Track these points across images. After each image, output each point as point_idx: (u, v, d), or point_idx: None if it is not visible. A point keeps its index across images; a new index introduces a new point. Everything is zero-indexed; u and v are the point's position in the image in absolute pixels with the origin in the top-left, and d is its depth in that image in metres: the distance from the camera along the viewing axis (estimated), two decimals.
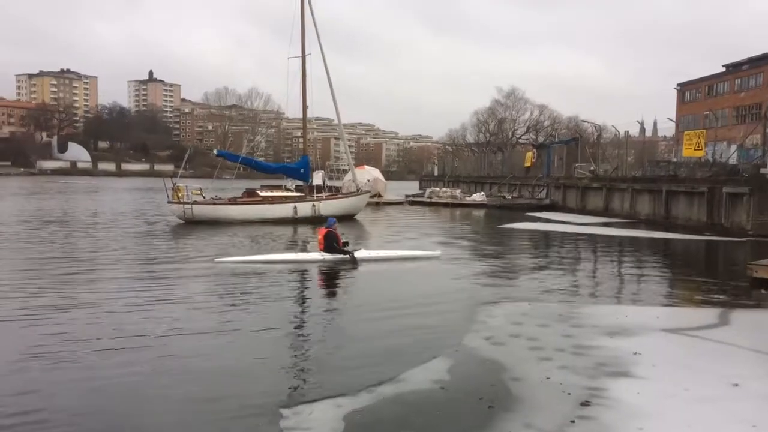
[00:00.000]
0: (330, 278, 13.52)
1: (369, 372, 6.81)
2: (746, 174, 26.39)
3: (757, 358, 7.54)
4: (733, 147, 35.22)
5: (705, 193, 26.07)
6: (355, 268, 14.37)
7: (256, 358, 7.40)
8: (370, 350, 7.76)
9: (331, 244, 15.15)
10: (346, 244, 15.53)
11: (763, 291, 11.90)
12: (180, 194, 26.64)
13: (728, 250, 20.46)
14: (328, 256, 15.00)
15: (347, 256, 15.03)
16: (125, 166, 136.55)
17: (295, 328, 9.12)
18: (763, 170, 25.01)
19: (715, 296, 11.74)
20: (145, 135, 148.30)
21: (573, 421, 5.38)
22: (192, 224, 25.29)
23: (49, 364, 6.94)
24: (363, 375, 6.71)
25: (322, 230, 15.47)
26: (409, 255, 16.26)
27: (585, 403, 5.80)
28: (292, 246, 19.58)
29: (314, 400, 5.94)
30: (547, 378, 6.52)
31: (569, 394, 6.05)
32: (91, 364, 7.00)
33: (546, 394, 6.08)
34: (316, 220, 27.86)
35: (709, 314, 9.98)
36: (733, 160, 31.71)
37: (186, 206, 26.18)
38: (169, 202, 26.97)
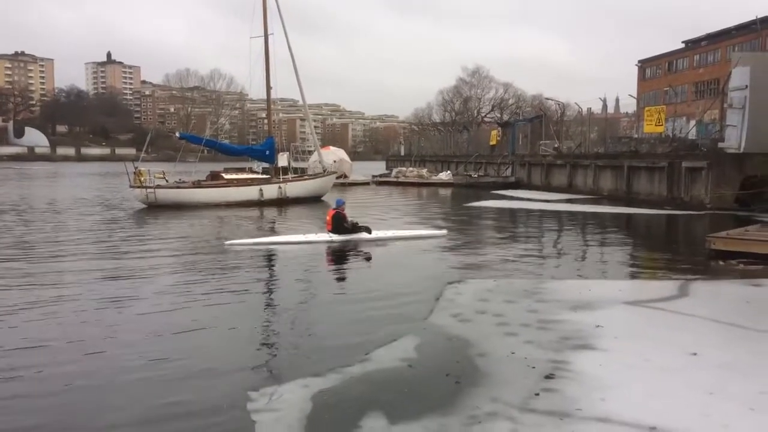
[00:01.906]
0: (319, 260, 13.52)
1: (337, 352, 6.83)
2: (705, 149, 27.03)
3: (715, 328, 7.76)
4: (692, 122, 35.97)
5: (665, 168, 26.61)
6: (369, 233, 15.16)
7: (223, 341, 7.36)
8: (338, 330, 7.77)
9: (339, 224, 15.18)
10: (355, 225, 15.53)
11: (720, 262, 12.23)
12: (142, 178, 26.21)
13: (688, 223, 20.95)
14: (336, 237, 15.04)
15: (358, 233, 15.15)
16: (85, 151, 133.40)
17: (265, 310, 9.07)
18: (720, 145, 25.63)
19: (675, 268, 12.02)
20: (104, 118, 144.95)
21: (537, 394, 5.47)
22: (155, 208, 24.90)
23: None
24: (331, 355, 6.71)
25: (331, 211, 15.52)
26: (414, 235, 16.40)
27: (549, 376, 5.90)
28: (260, 228, 19.42)
29: (282, 382, 5.93)
30: (513, 353, 6.62)
31: (534, 367, 6.14)
32: (51, 364, 6.85)
33: (511, 368, 6.17)
34: (282, 202, 27.74)
35: (669, 286, 10.22)
36: (692, 136, 32.40)
37: (149, 190, 25.76)
38: (131, 187, 26.51)
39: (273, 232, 18.53)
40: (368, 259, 13.51)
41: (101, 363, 6.56)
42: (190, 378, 6.12)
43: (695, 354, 6.53)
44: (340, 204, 15.67)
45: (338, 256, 13.93)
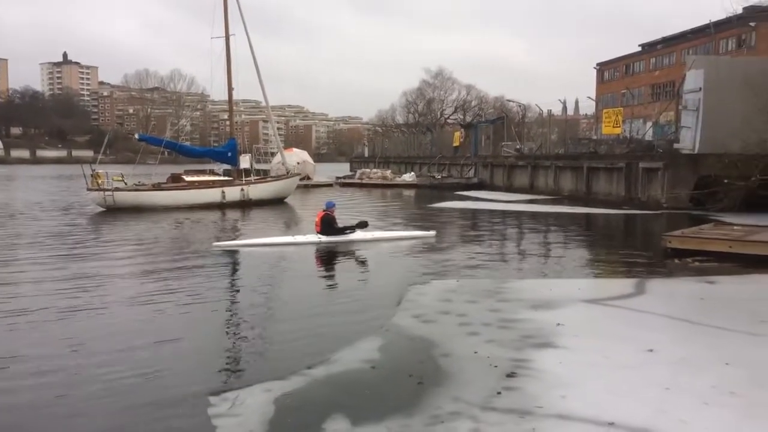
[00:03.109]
0: (298, 261, 13.44)
1: (299, 354, 6.78)
2: (661, 149, 27.64)
3: (671, 324, 7.94)
4: (649, 124, 36.77)
5: (623, 168, 27.16)
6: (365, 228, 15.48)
7: (184, 346, 7.23)
8: (302, 332, 7.71)
9: (329, 226, 15.20)
10: (348, 226, 15.66)
11: (676, 260, 12.53)
12: (100, 181, 25.68)
13: (645, 222, 21.43)
14: (324, 238, 15.04)
15: (347, 234, 15.27)
16: (41, 153, 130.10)
17: (229, 312, 8.95)
18: (676, 146, 26.25)
19: (633, 267, 12.28)
20: (61, 120, 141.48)
21: (499, 393, 5.52)
22: (114, 212, 24.41)
23: None
24: (293, 358, 6.67)
25: (320, 213, 15.55)
26: (404, 235, 16.46)
27: (511, 375, 5.96)
28: (223, 231, 19.19)
29: (243, 386, 5.86)
30: (475, 352, 6.66)
31: (496, 366, 6.20)
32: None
33: (474, 368, 6.21)
34: (244, 205, 27.47)
35: (628, 284, 10.43)
36: (648, 137, 33.11)
37: (107, 193, 25.23)
38: (88, 190, 25.93)
39: (237, 234, 18.32)
40: (346, 261, 13.51)
41: (60, 372, 6.39)
42: (150, 384, 5.99)
43: (652, 350, 6.67)
44: (330, 206, 15.73)
45: (321, 257, 13.95)
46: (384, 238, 15.95)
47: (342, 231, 15.39)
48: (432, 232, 16.91)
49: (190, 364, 6.62)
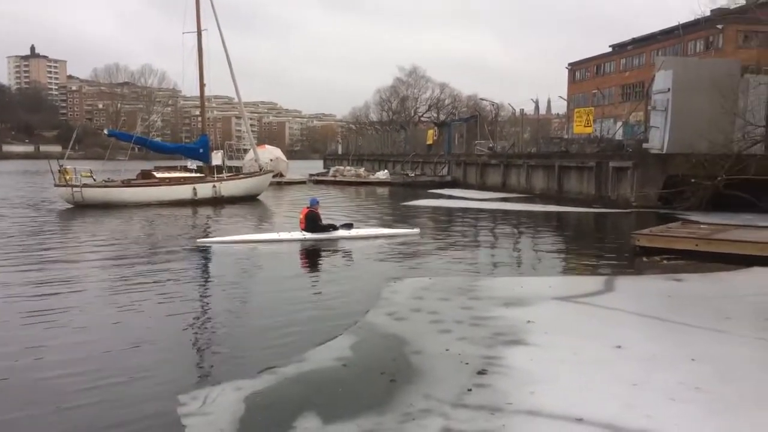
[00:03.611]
0: (278, 259, 13.37)
1: (272, 353, 6.75)
2: (630, 149, 28.08)
3: (638, 321, 8.07)
4: (619, 124, 37.30)
5: (593, 167, 27.50)
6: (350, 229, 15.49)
7: (154, 344, 7.14)
8: (274, 330, 7.68)
9: (313, 223, 15.18)
10: (332, 225, 15.66)
11: (645, 258, 12.74)
12: (68, 177, 25.22)
13: (615, 221, 21.74)
14: (308, 235, 15.02)
15: (332, 232, 15.30)
16: (7, 148, 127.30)
17: (201, 310, 8.85)
18: (645, 145, 26.67)
19: (603, 264, 12.45)
20: (28, 115, 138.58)
21: (470, 390, 5.56)
22: (82, 208, 24.00)
23: None
24: (265, 356, 6.64)
25: (304, 210, 15.51)
26: (389, 233, 16.47)
27: (482, 372, 6.00)
28: (194, 228, 18.98)
29: (214, 384, 5.81)
30: (447, 350, 6.70)
31: (467, 364, 6.24)
32: None
33: (445, 365, 6.24)
34: (217, 201, 27.21)
35: (597, 281, 10.58)
36: (619, 137, 33.59)
37: (75, 189, 24.79)
38: (56, 186, 25.47)
39: (210, 232, 18.14)
40: (327, 258, 13.47)
41: (21, 375, 6.27)
42: (118, 383, 5.91)
43: (620, 347, 6.77)
44: (314, 203, 15.76)
45: (303, 254, 13.96)
46: (368, 235, 15.97)
47: (326, 228, 15.40)
48: (416, 230, 16.99)
49: (159, 362, 6.54)
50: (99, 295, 9.52)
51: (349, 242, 15.09)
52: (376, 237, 15.91)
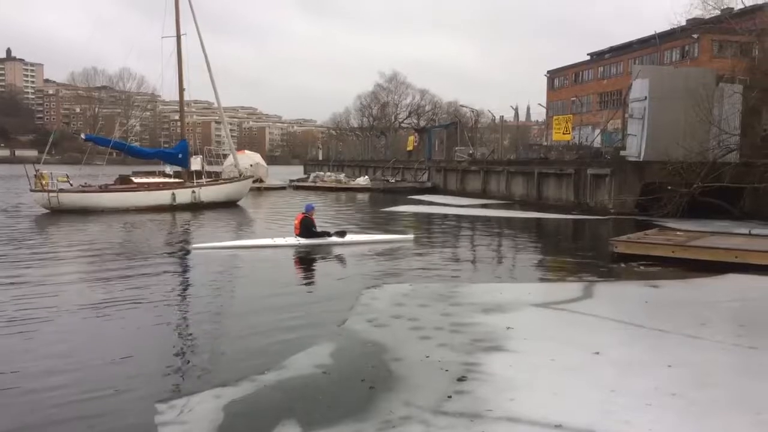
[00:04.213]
0: (268, 265, 13.27)
1: (250, 360, 6.70)
2: (608, 156, 28.44)
3: (616, 327, 8.15)
4: (597, 131, 37.75)
5: (572, 174, 27.81)
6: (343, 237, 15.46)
7: (131, 352, 7.04)
8: (254, 337, 7.61)
9: (307, 229, 15.18)
10: (326, 232, 15.73)
11: (622, 265, 12.88)
12: (44, 181, 24.85)
13: (593, 227, 21.97)
14: (303, 241, 15.02)
15: (326, 238, 15.29)
16: None
17: (180, 317, 8.76)
18: (622, 153, 27.00)
19: (581, 271, 12.56)
20: (3, 118, 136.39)
21: (450, 397, 5.57)
22: (59, 213, 23.67)
23: None
24: (245, 363, 6.58)
25: (299, 215, 15.53)
26: (383, 239, 16.51)
27: (461, 379, 6.02)
28: (171, 235, 18.82)
29: (192, 392, 5.75)
30: (427, 356, 6.70)
31: (447, 370, 6.25)
32: None
33: (425, 372, 6.25)
34: (195, 207, 27.00)
35: (576, 288, 10.66)
36: (597, 144, 34.00)
37: (51, 194, 24.44)
38: (31, 191, 25.10)
39: (188, 237, 17.99)
40: (316, 264, 13.49)
41: (1, 385, 6.17)
42: (96, 393, 5.82)
43: (598, 353, 6.83)
44: (310, 209, 15.79)
45: (292, 260, 13.91)
46: (362, 241, 16.01)
47: (320, 235, 15.43)
48: (410, 236, 17.04)
49: (137, 370, 6.45)
50: (77, 303, 9.36)
51: (342, 248, 15.05)
52: (371, 243, 15.93)
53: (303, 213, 15.57)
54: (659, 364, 6.52)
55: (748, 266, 11.95)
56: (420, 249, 15.61)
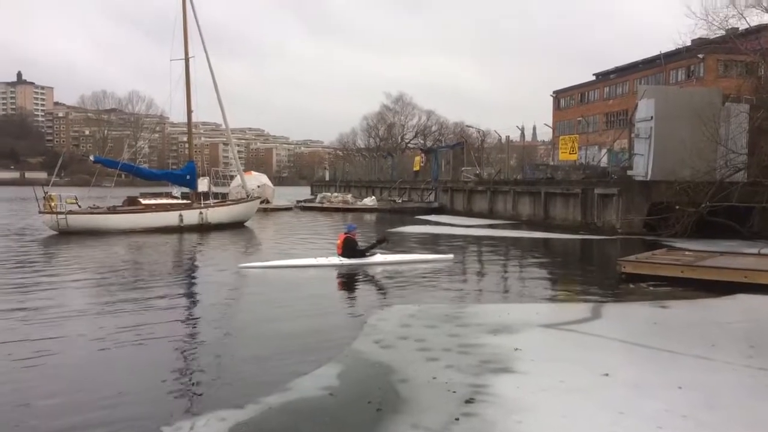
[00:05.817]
0: (295, 284, 13.20)
1: (256, 382, 6.67)
2: (615, 176, 28.36)
3: (625, 348, 8.09)
4: (603, 151, 37.74)
5: (579, 194, 27.74)
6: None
7: (139, 373, 7.04)
8: (261, 359, 7.59)
9: (350, 249, 15.36)
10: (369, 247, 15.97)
11: (630, 285, 12.80)
12: (53, 203, 24.99)
13: (600, 247, 21.87)
14: (346, 261, 15.21)
15: (368, 257, 15.46)
16: None
17: (189, 338, 8.74)
18: (629, 172, 26.97)
19: (589, 291, 12.50)
20: (14, 141, 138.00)
21: (457, 419, 5.52)
22: (67, 235, 23.77)
23: None
24: (251, 386, 6.55)
25: (342, 235, 15.75)
26: (423, 259, 16.67)
27: (469, 401, 5.97)
28: (177, 255, 18.86)
29: (199, 415, 5.72)
30: (434, 378, 6.66)
31: (454, 392, 6.20)
32: None
33: (432, 393, 6.21)
34: (203, 228, 27.08)
35: (584, 308, 10.60)
36: (603, 164, 33.96)
37: (60, 216, 24.57)
38: (40, 212, 25.24)
39: (194, 259, 18.03)
40: (334, 284, 13.64)
41: (6, 406, 6.15)
42: (100, 415, 5.80)
43: (607, 374, 6.77)
44: (352, 229, 16.06)
45: (331, 280, 14.00)
46: (404, 261, 16.15)
47: (363, 253, 15.56)
48: (450, 255, 17.05)
49: (142, 391, 6.45)
50: (84, 323, 9.37)
51: (389, 267, 15.21)
52: (411, 262, 16.03)
53: (345, 233, 15.78)
54: (669, 385, 6.45)
55: (758, 286, 11.84)
56: (426, 269, 15.56)
